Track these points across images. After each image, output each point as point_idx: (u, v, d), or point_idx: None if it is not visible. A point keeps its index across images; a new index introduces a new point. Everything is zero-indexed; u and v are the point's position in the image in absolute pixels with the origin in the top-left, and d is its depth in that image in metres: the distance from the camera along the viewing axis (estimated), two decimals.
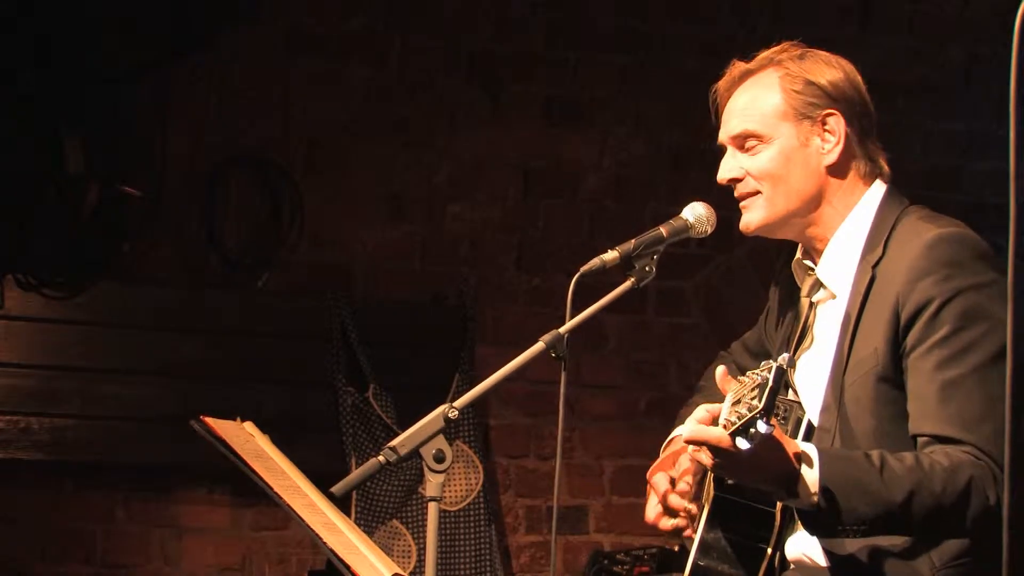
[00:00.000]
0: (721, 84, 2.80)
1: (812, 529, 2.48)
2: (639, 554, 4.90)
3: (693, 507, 2.76)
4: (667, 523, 2.78)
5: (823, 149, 2.71)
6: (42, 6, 4.42)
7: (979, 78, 5.51)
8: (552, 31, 5.20)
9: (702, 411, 2.40)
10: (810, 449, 2.42)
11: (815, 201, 2.72)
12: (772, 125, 2.71)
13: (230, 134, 4.87)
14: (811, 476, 2.38)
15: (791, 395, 2.78)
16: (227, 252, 4.86)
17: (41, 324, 4.61)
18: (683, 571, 2.72)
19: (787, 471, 2.38)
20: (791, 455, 2.37)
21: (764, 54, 2.77)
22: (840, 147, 2.71)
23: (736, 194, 2.77)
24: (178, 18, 4.63)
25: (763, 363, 2.29)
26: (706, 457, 2.39)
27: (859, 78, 2.76)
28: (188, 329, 4.72)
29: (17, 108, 4.46)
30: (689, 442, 2.39)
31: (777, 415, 2.63)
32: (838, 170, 2.72)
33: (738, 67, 2.78)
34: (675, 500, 2.77)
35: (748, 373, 2.33)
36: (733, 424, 2.24)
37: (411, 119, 5.05)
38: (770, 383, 2.22)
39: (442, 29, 5.08)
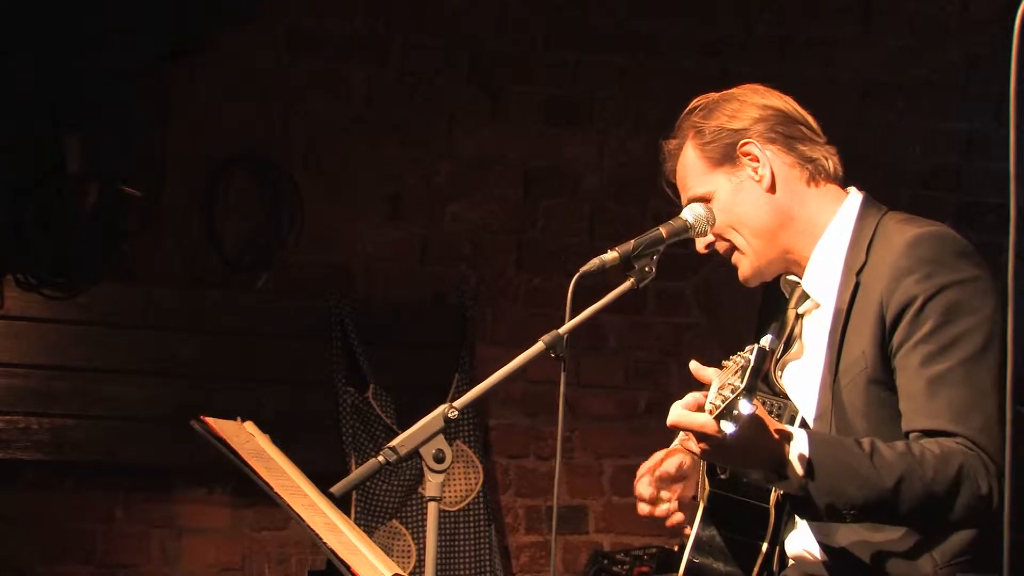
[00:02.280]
0: (666, 170, 2.89)
1: (802, 512, 2.49)
2: (639, 554, 4.90)
3: (652, 490, 2.78)
4: (655, 510, 2.82)
5: (756, 177, 2.76)
6: (42, 6, 4.42)
7: (979, 78, 5.51)
8: (552, 31, 5.20)
9: (688, 398, 2.40)
10: (798, 432, 2.42)
11: (778, 225, 2.75)
12: (706, 182, 2.79)
13: (230, 134, 4.87)
14: (799, 459, 2.39)
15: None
16: (227, 252, 4.86)
17: (41, 324, 4.61)
18: (680, 567, 2.72)
19: (775, 453, 2.38)
20: (778, 436, 2.38)
21: (678, 123, 2.85)
22: (768, 167, 2.75)
23: (722, 254, 2.84)
24: (178, 18, 4.63)
25: (746, 347, 2.29)
26: (694, 444, 2.40)
27: (772, 96, 2.81)
28: (188, 329, 4.72)
29: (17, 108, 4.46)
30: (674, 427, 2.40)
31: (771, 413, 2.64)
32: (780, 187, 2.76)
33: (667, 147, 2.88)
34: (642, 485, 2.80)
35: (731, 358, 2.33)
36: (717, 408, 2.23)
37: (411, 119, 5.05)
38: (751, 363, 2.21)
39: (442, 29, 5.08)
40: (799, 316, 2.79)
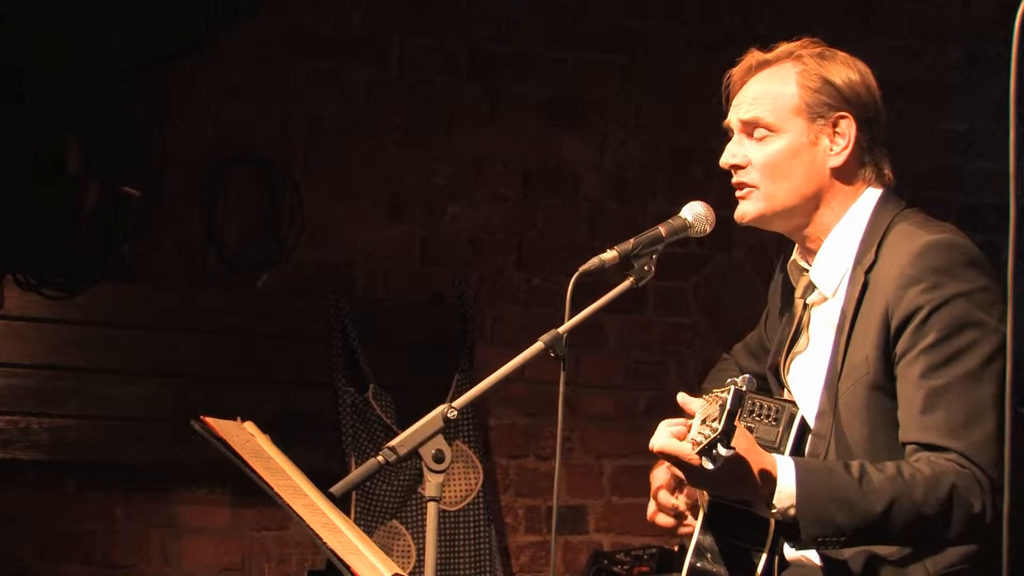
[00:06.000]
0: (736, 70, 2.79)
1: (792, 540, 2.48)
2: (639, 554, 4.90)
3: (681, 503, 2.77)
4: (663, 520, 2.81)
5: (831, 151, 2.69)
6: (42, 5, 4.42)
7: (979, 78, 5.51)
8: (552, 31, 5.20)
9: (675, 425, 2.43)
10: (785, 461, 2.42)
11: (814, 201, 2.71)
12: (784, 118, 2.70)
13: (230, 134, 4.87)
14: (787, 489, 2.39)
15: (786, 394, 2.78)
16: (227, 252, 4.86)
17: (41, 324, 4.61)
18: (681, 572, 2.73)
19: (761, 484, 2.39)
20: (766, 469, 2.39)
21: (783, 47, 2.77)
22: (848, 151, 2.69)
23: (734, 180, 2.76)
24: (178, 18, 4.63)
25: (728, 380, 2.30)
26: (678, 471, 2.41)
27: (875, 82, 2.75)
28: (188, 329, 4.72)
29: (17, 108, 4.46)
30: (659, 454, 2.41)
31: (768, 417, 2.66)
32: (842, 173, 2.71)
33: (755, 56, 2.78)
34: (663, 496, 2.79)
35: (714, 391, 2.35)
36: (699, 444, 2.26)
37: (411, 119, 5.05)
38: (728, 406, 2.24)
39: (442, 29, 5.08)
40: (807, 306, 2.77)
